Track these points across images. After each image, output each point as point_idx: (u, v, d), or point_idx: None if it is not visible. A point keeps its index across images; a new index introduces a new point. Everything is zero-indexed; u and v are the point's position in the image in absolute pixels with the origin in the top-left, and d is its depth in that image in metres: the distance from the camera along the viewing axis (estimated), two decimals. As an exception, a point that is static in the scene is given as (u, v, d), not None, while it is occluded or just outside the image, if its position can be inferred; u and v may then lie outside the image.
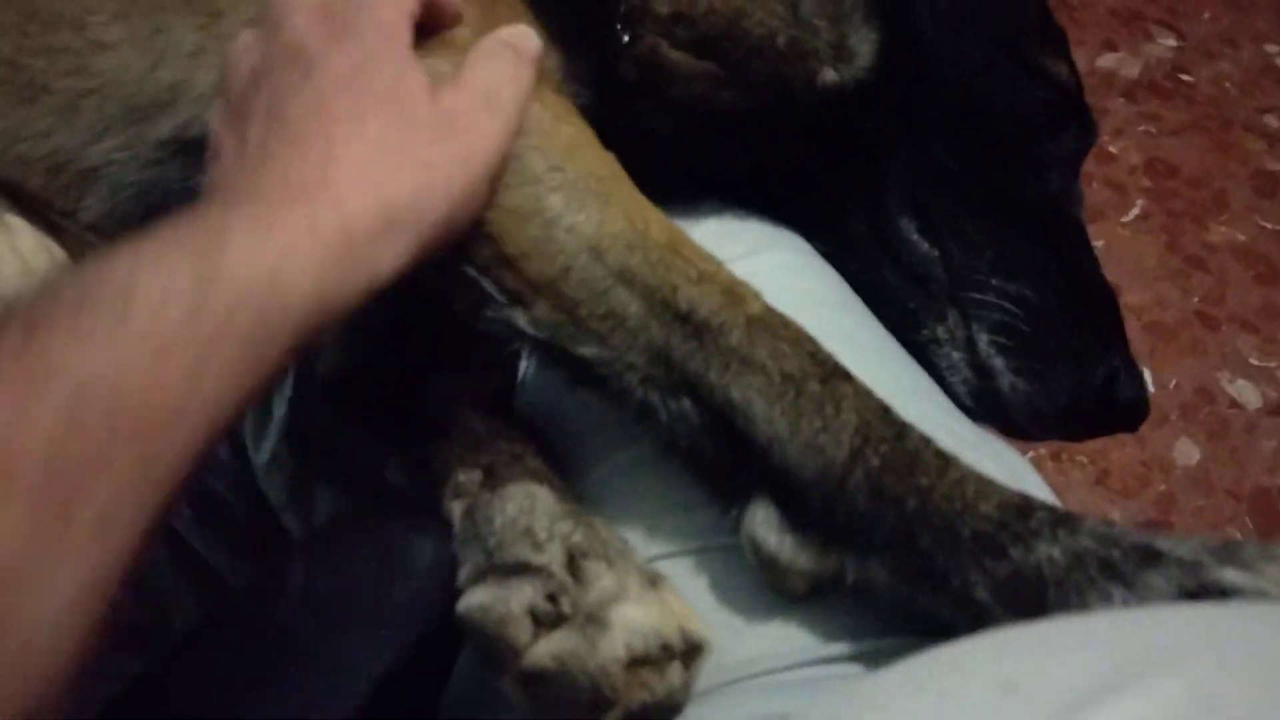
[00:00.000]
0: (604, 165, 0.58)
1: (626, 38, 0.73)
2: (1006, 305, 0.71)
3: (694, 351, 0.53)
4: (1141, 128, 2.09)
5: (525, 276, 0.55)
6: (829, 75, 0.71)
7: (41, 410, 0.34)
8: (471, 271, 0.56)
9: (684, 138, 0.74)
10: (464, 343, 0.76)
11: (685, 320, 0.53)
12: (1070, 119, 0.76)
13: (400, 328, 0.79)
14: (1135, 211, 1.97)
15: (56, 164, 0.77)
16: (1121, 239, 1.92)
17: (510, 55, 0.57)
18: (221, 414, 0.39)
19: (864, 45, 0.72)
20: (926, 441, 0.50)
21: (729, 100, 0.73)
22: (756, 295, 0.55)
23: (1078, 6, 2.30)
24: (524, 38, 0.60)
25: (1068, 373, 0.70)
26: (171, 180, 0.75)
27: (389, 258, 0.45)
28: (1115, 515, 1.57)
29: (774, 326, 0.53)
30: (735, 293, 0.54)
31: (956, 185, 0.73)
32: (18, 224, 0.82)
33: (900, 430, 0.51)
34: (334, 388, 0.82)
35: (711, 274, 0.55)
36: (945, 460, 0.49)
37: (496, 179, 0.54)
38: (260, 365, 0.40)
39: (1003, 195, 0.73)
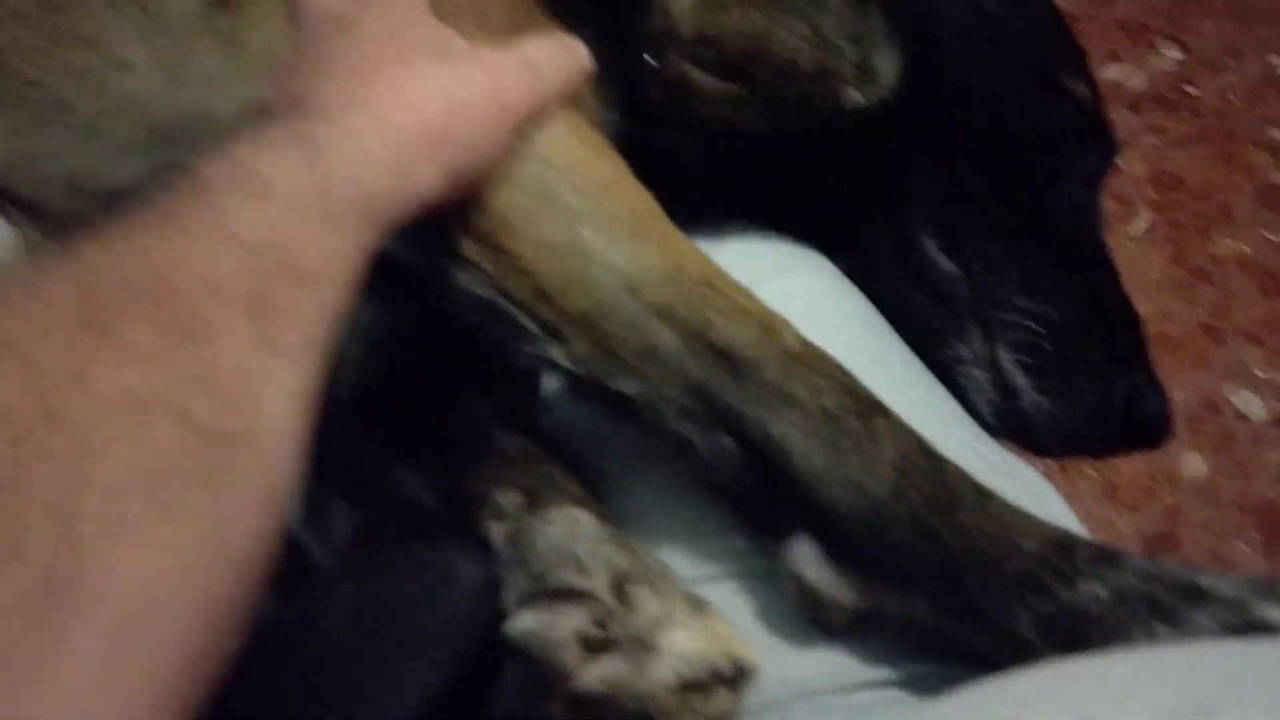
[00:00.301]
0: (640, 200, 0.58)
1: (652, 60, 0.74)
2: (1030, 324, 0.71)
3: (731, 386, 0.53)
4: (1147, 140, 2.10)
5: (562, 311, 0.55)
6: (853, 96, 0.72)
7: (231, 255, 0.40)
8: (508, 306, 0.57)
9: (709, 159, 0.75)
10: (488, 361, 0.77)
11: (722, 355, 0.53)
12: (1091, 137, 0.77)
13: (424, 345, 0.80)
14: (1141, 223, 1.97)
15: (76, 185, 0.77)
16: (1127, 251, 1.92)
17: (563, 49, 0.59)
18: (352, 269, 0.45)
19: (887, 66, 0.72)
20: (964, 476, 0.51)
21: (754, 122, 0.73)
22: (791, 328, 0.55)
23: (1081, 18, 2.31)
24: (580, 46, 0.61)
25: (1091, 391, 0.71)
26: None
27: (428, 176, 0.50)
28: (1123, 528, 1.57)
29: (810, 360, 0.54)
30: (771, 326, 0.55)
31: (980, 204, 0.73)
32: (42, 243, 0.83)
33: (939, 465, 0.51)
34: (357, 404, 0.83)
35: (747, 307, 0.55)
36: (984, 496, 0.50)
37: (520, 138, 0.55)
38: (367, 236, 0.46)
39: (1026, 213, 0.74)
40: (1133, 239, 1.95)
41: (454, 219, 0.57)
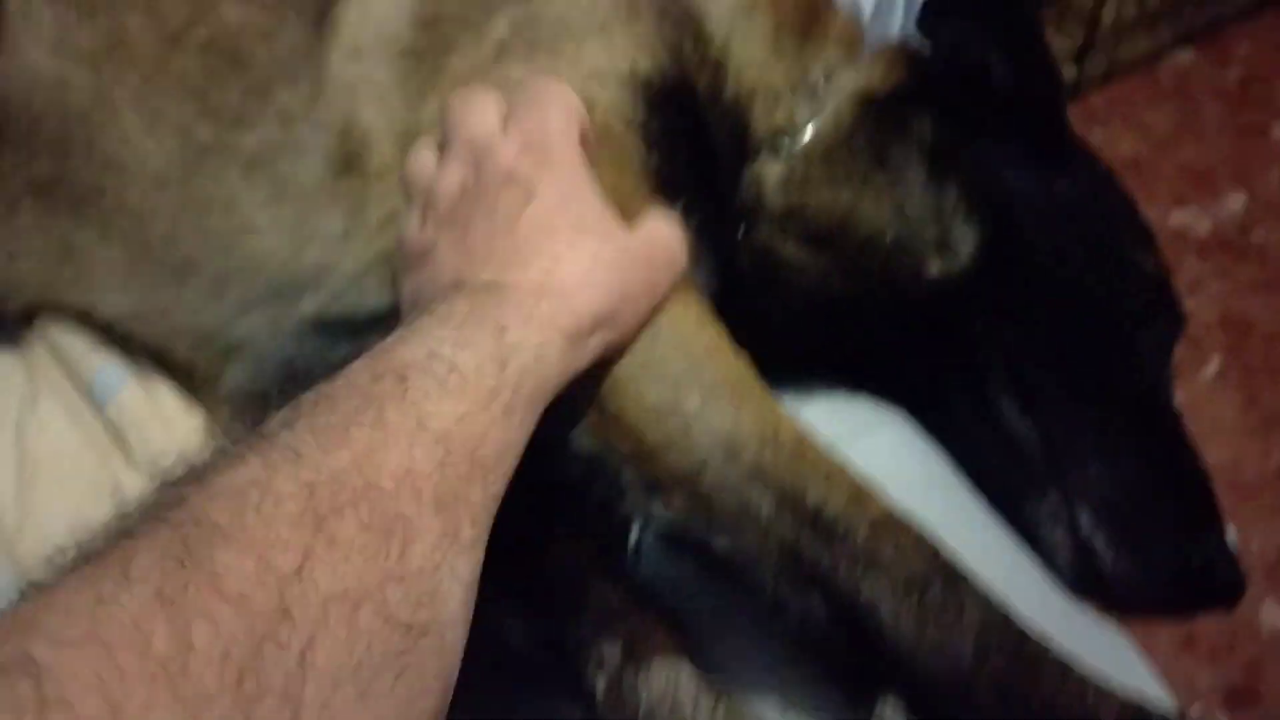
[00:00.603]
0: (738, 367, 0.63)
1: (741, 231, 0.79)
2: (1107, 486, 0.73)
3: (823, 550, 0.56)
4: (1215, 284, 2.11)
5: (663, 469, 0.59)
6: (935, 268, 0.76)
7: (426, 449, 0.43)
8: (614, 462, 0.61)
9: (797, 322, 0.79)
10: (583, 508, 0.80)
11: (814, 520, 0.57)
12: (1161, 309, 0.80)
13: (518, 492, 0.83)
14: (1213, 368, 1.98)
15: (203, 337, 0.83)
16: (1200, 396, 1.93)
17: (678, 231, 0.64)
18: (517, 456, 0.49)
19: (966, 241, 0.77)
20: (1045, 647, 0.53)
21: (839, 289, 0.78)
22: (880, 495, 0.59)
23: (1146, 164, 2.35)
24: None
25: (1167, 554, 0.73)
26: (311, 354, 0.81)
27: (590, 351, 0.55)
28: (1202, 681, 1.55)
29: (897, 527, 0.57)
30: (860, 493, 0.58)
31: (1056, 369, 0.76)
32: (163, 390, 0.88)
33: (1021, 636, 0.54)
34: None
35: (837, 474, 0.59)
36: (1064, 667, 0.52)
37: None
38: (532, 420, 0.50)
39: (1101, 380, 0.77)
40: (1205, 383, 1.95)
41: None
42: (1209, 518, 0.75)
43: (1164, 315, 0.81)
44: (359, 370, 0.47)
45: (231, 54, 0.84)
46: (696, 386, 0.60)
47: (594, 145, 0.65)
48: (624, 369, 0.61)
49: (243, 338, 0.82)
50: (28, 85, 0.83)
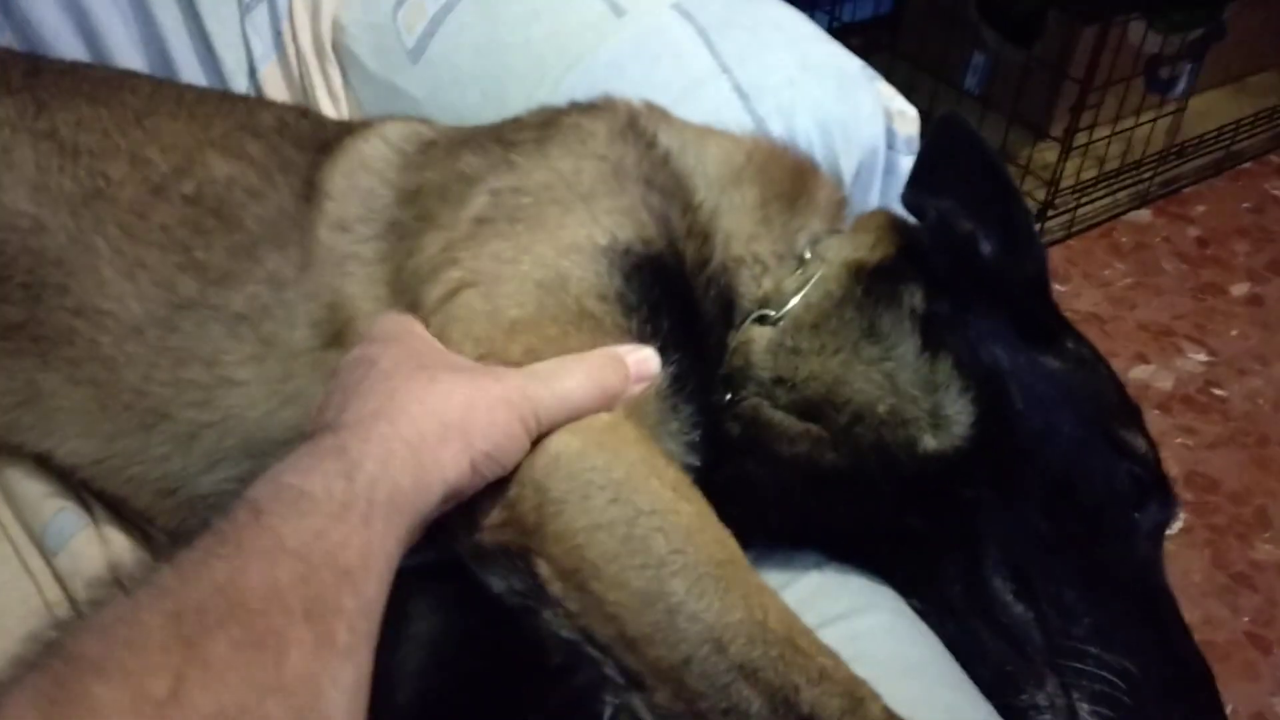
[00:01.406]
0: (723, 548, 0.60)
1: (727, 397, 0.78)
2: (1107, 675, 0.71)
3: None
4: (1178, 440, 2.13)
5: (646, 660, 0.56)
6: (928, 442, 0.75)
7: (287, 565, 0.45)
8: (591, 650, 0.58)
9: (786, 491, 0.77)
10: (554, 683, 0.76)
11: None
12: (1154, 491, 0.80)
13: (484, 669, 0.80)
14: (1179, 526, 1.97)
15: (167, 488, 0.80)
16: (1165, 554, 1.92)
17: (613, 367, 0.66)
18: (390, 559, 0.50)
19: (961, 415, 0.76)
20: None
21: (832, 460, 0.76)
22: (876, 697, 0.56)
23: (1109, 320, 2.40)
24: (645, 362, 0.68)
25: None
26: None
27: (451, 464, 0.56)
28: None
29: None
30: (856, 694, 0.55)
31: (1052, 551, 0.75)
32: (115, 538, 0.84)
33: None
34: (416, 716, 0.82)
35: (831, 671, 0.56)
36: None
37: (532, 432, 0.60)
38: (401, 523, 0.52)
39: (1096, 564, 0.75)
40: (1171, 541, 1.94)
41: (540, 553, 0.59)
42: (1211, 712, 0.73)
43: (1156, 496, 0.80)
44: (220, 518, 0.49)
45: (218, 210, 0.83)
46: (680, 570, 0.57)
47: (570, 315, 0.70)
48: (601, 547, 0.58)
49: (209, 492, 0.79)
50: (3, 227, 0.82)
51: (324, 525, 0.48)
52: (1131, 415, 0.84)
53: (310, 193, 0.84)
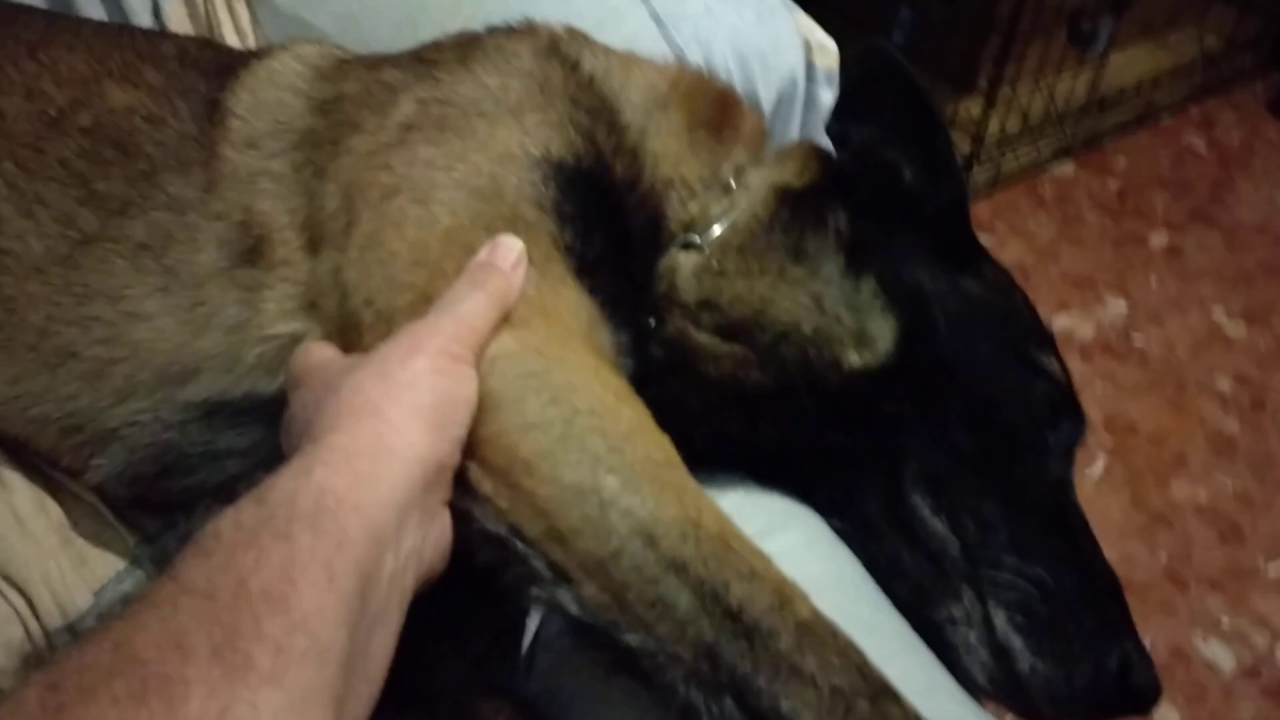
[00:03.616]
0: (661, 450, 0.60)
1: (653, 322, 0.77)
2: (1023, 584, 0.72)
3: (743, 653, 0.53)
4: (1099, 386, 2.18)
5: (575, 554, 0.56)
6: (853, 359, 0.76)
7: (193, 613, 0.44)
8: (520, 545, 0.57)
9: (711, 411, 0.77)
10: (472, 625, 0.76)
11: (736, 618, 0.54)
12: (1066, 411, 0.81)
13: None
14: (1099, 468, 2.02)
15: (74, 425, 0.78)
16: (1086, 496, 1.94)
17: (485, 271, 0.65)
18: (323, 568, 0.47)
19: (884, 333, 0.76)
20: None
21: (757, 380, 0.76)
22: (805, 597, 0.56)
23: (1032, 271, 2.43)
24: (504, 248, 0.66)
25: (1085, 657, 0.72)
26: (192, 442, 0.76)
27: (396, 437, 0.54)
28: (1102, 782, 1.54)
29: (823, 635, 0.54)
30: (785, 594, 0.55)
31: (970, 466, 0.76)
32: (16, 481, 0.81)
33: None
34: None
35: (761, 570, 0.56)
36: None
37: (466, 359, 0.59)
38: (339, 532, 0.48)
39: (1012, 479, 0.76)
40: (1092, 484, 1.99)
41: (471, 454, 0.58)
42: (1122, 620, 0.74)
43: (1068, 416, 0.81)
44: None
45: (116, 140, 0.80)
46: (616, 467, 0.57)
47: (506, 222, 0.68)
48: (536, 445, 0.58)
49: (117, 426, 0.77)
50: None
51: (229, 557, 0.46)
52: (1046, 338, 0.85)
53: (214, 113, 0.81)
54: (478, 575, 0.67)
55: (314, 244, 0.74)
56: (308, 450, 0.52)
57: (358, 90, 0.82)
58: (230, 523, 0.48)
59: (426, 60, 0.84)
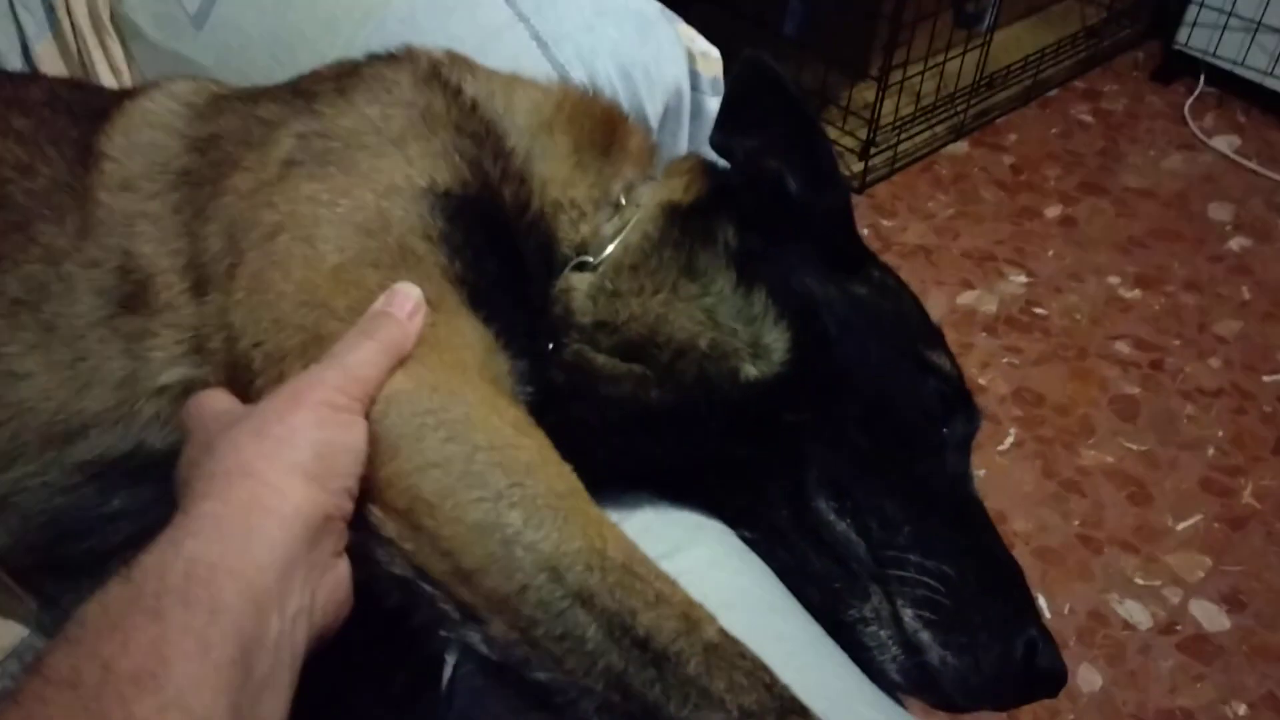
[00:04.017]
0: (563, 480, 0.60)
1: (550, 346, 0.77)
2: (928, 580, 0.74)
3: (652, 680, 0.53)
4: (1005, 359, 2.23)
5: (481, 593, 0.56)
6: (749, 371, 0.77)
7: (58, 706, 0.43)
8: (426, 587, 0.57)
9: (614, 431, 0.77)
10: (390, 663, 0.75)
11: (644, 646, 0.54)
12: (959, 405, 0.83)
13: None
14: (1010, 440, 2.07)
15: None
16: (1000, 467, 2.01)
17: (381, 321, 0.64)
18: (197, 640, 0.47)
19: (778, 343, 0.77)
20: None
21: (657, 398, 0.77)
22: (712, 619, 0.57)
23: (934, 250, 2.48)
24: (400, 295, 0.66)
25: (992, 645, 0.73)
26: (88, 505, 0.74)
27: (273, 498, 0.53)
28: (1030, 749, 1.58)
29: (731, 655, 0.55)
30: (692, 617, 0.56)
31: (870, 467, 0.77)
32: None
33: None
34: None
35: (668, 595, 0.56)
36: None
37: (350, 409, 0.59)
38: (212, 601, 0.48)
39: (912, 476, 0.78)
40: (1004, 455, 2.04)
41: (373, 498, 0.58)
42: (1026, 606, 0.76)
43: (962, 411, 0.83)
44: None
45: None
46: (518, 502, 0.57)
47: (394, 257, 0.67)
48: (437, 484, 0.57)
49: (6, 493, 0.74)
50: None
51: (95, 642, 0.45)
52: (935, 336, 0.87)
53: (87, 158, 0.79)
54: (394, 617, 0.67)
55: (199, 286, 0.73)
56: (178, 521, 0.51)
57: (236, 127, 0.80)
58: (97, 606, 0.47)
59: (305, 92, 0.82)
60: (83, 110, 0.86)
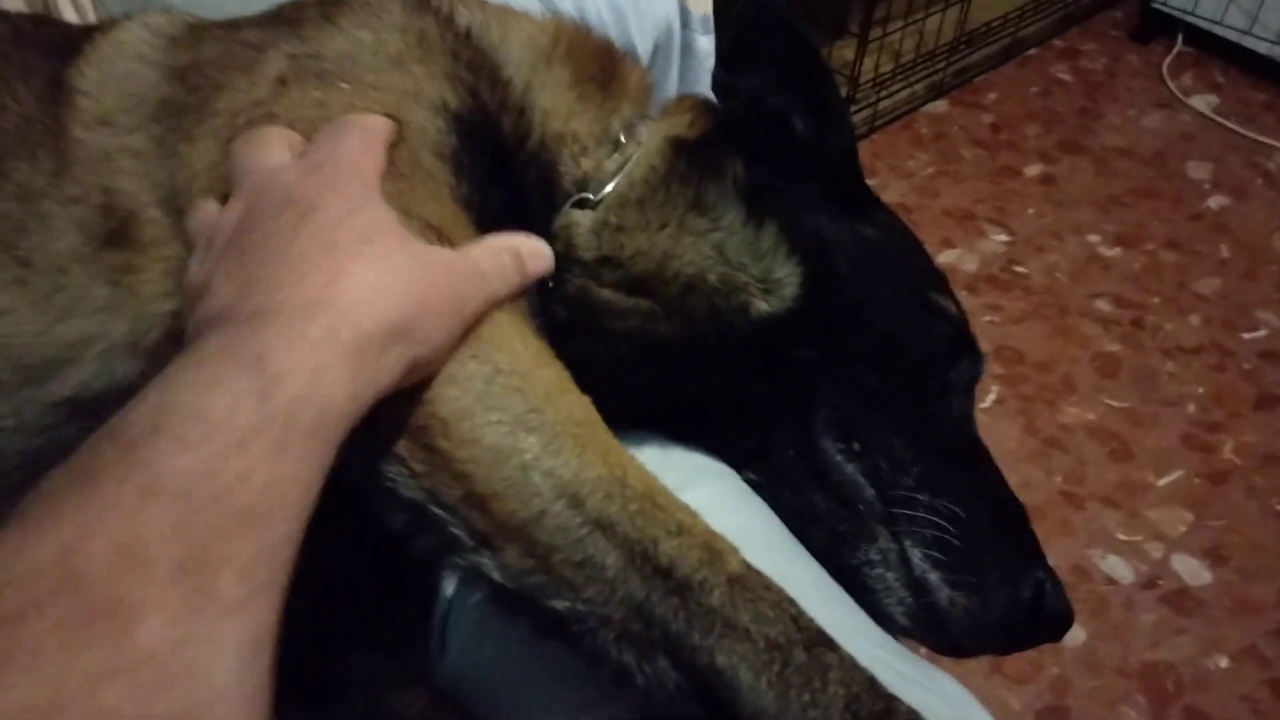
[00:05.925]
0: (582, 409, 0.58)
1: (551, 283, 0.75)
2: (937, 520, 0.72)
3: (676, 609, 0.52)
4: (986, 318, 2.23)
5: (495, 518, 0.53)
6: (761, 306, 0.75)
7: (153, 513, 0.39)
8: (437, 510, 0.54)
9: (621, 367, 0.75)
10: (379, 612, 0.73)
11: (666, 575, 0.52)
12: (964, 349, 0.81)
13: (311, 592, 0.76)
14: (991, 397, 2.07)
15: None
16: (982, 425, 1.99)
17: (510, 255, 0.61)
18: (307, 492, 0.44)
19: (789, 278, 0.75)
20: (915, 712, 0.50)
21: (665, 333, 0.75)
22: (735, 551, 0.55)
23: (914, 209, 2.47)
24: (536, 256, 0.63)
25: (1001, 586, 0.72)
26: (66, 445, 0.71)
27: (390, 369, 0.50)
28: (1014, 703, 1.58)
29: (755, 587, 0.53)
30: (714, 548, 0.54)
31: (879, 408, 0.76)
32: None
33: (888, 705, 0.50)
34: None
35: (690, 526, 0.54)
36: None
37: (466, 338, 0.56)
38: (322, 450, 0.45)
39: (919, 417, 0.76)
40: (986, 413, 2.04)
41: (385, 413, 0.55)
42: (1032, 548, 0.75)
43: (967, 354, 0.82)
44: (85, 446, 0.43)
45: None
46: (536, 428, 0.54)
47: (406, 167, 0.63)
48: (455, 405, 0.54)
49: None
50: None
51: (218, 457, 0.41)
52: (940, 279, 0.86)
53: (58, 94, 0.75)
54: (384, 561, 0.64)
55: (182, 213, 0.70)
56: (319, 334, 0.47)
57: (218, 53, 0.76)
58: (226, 410, 0.42)
59: (289, 19, 0.78)
60: (51, 44, 0.82)
